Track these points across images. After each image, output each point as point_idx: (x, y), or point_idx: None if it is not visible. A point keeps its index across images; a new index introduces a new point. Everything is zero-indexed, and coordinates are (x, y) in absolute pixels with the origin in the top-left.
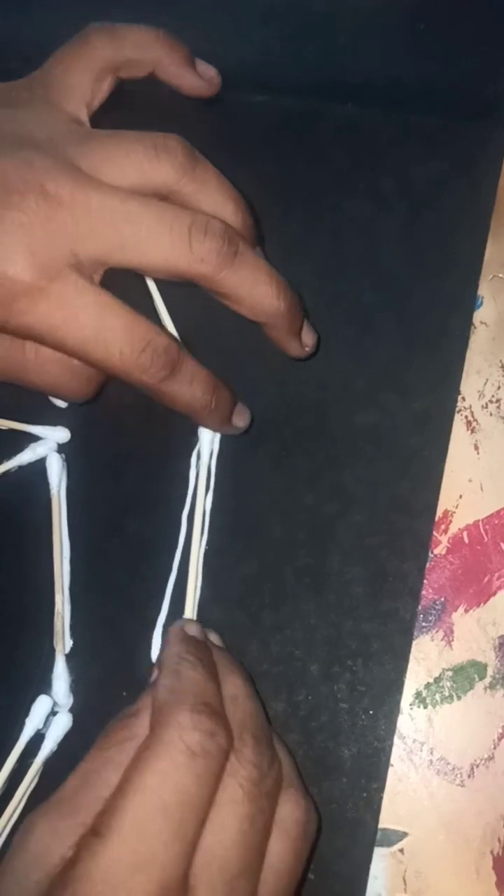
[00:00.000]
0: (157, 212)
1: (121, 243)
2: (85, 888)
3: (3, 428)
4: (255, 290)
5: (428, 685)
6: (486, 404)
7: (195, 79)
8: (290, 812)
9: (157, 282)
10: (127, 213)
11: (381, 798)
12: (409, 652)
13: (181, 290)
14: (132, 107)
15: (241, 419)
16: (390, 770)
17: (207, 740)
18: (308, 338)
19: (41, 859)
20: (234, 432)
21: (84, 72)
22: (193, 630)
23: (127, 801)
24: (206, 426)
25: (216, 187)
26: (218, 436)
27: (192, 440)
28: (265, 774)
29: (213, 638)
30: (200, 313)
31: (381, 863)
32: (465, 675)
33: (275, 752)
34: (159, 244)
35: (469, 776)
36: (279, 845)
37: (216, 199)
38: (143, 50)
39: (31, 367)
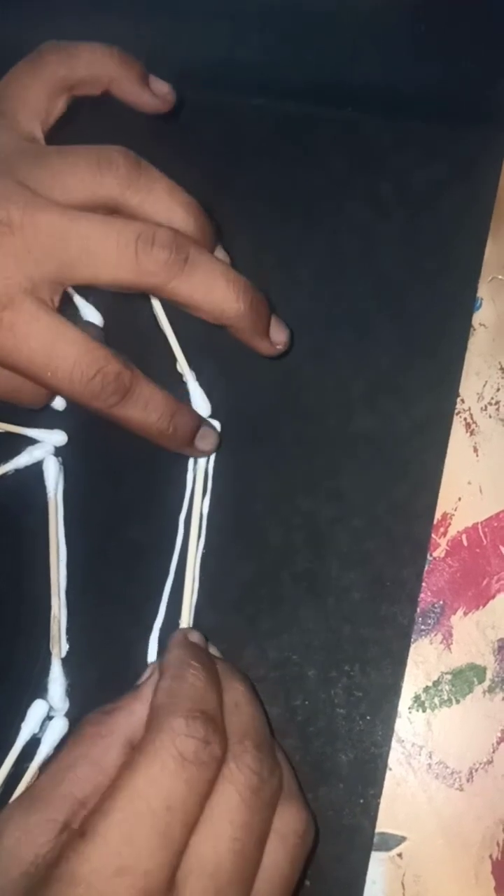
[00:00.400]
0: (104, 226)
1: (71, 262)
2: (67, 889)
3: (0, 431)
4: (211, 294)
5: (427, 689)
6: (486, 406)
7: (149, 97)
8: (288, 822)
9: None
10: (75, 231)
11: (378, 804)
12: (406, 657)
13: None
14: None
15: (205, 443)
16: (389, 774)
17: (201, 748)
18: (278, 335)
19: (14, 855)
20: (198, 456)
21: (38, 89)
22: (196, 637)
23: (114, 804)
24: (165, 448)
25: (164, 194)
26: None
27: None
28: (265, 782)
29: (212, 650)
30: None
31: (380, 867)
32: (464, 679)
33: (276, 761)
34: (107, 259)
35: (468, 780)
36: (275, 855)
37: (165, 206)
38: (97, 67)
39: None
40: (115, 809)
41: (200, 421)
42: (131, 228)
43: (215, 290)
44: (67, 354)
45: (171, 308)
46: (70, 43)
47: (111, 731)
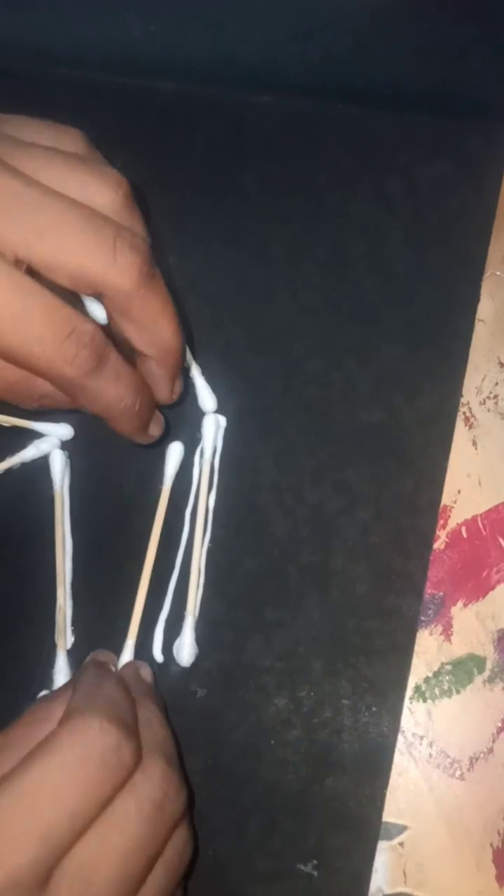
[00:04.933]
0: (85, 213)
1: (38, 232)
2: None
3: (7, 425)
4: (160, 319)
5: (427, 679)
6: (484, 400)
7: None
8: (177, 845)
9: None
10: (50, 204)
11: (384, 794)
12: (412, 649)
13: (181, 287)
14: (134, 106)
15: (156, 428)
16: None
17: (110, 752)
18: (178, 387)
19: None
20: (146, 441)
21: (47, 142)
22: (103, 657)
23: (2, 789)
24: (123, 431)
25: (141, 225)
26: (221, 433)
27: (196, 437)
28: (169, 800)
29: (145, 673)
30: (201, 309)
31: (382, 856)
32: (464, 669)
33: (182, 784)
34: (81, 244)
35: (469, 769)
36: (158, 875)
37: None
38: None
39: None
40: (4, 797)
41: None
42: (112, 225)
43: (165, 318)
44: (37, 310)
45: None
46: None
47: (49, 717)
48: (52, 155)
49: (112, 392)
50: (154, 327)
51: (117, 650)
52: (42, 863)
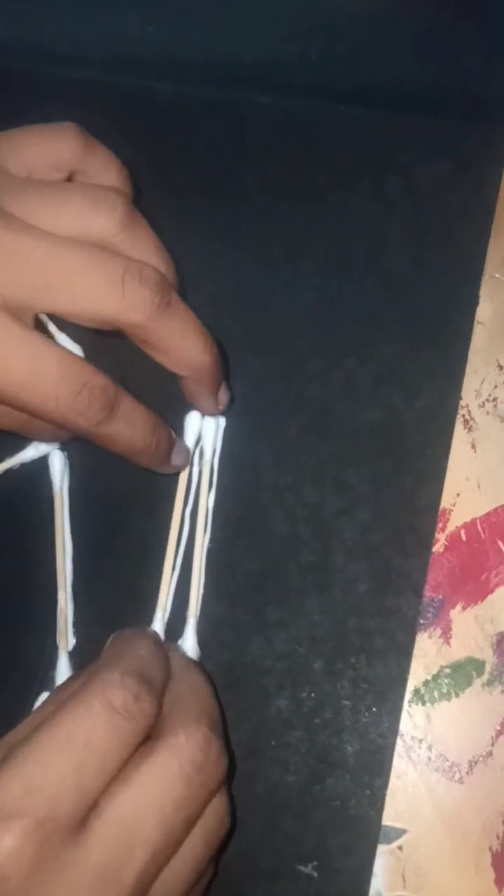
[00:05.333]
0: (90, 256)
1: (49, 287)
2: None
3: None
4: (183, 342)
5: (426, 682)
6: (483, 403)
7: None
8: (217, 810)
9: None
10: (57, 256)
11: (384, 795)
12: (412, 649)
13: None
14: (133, 106)
15: (179, 458)
16: None
17: (130, 701)
18: (223, 396)
19: None
20: (171, 472)
21: (43, 157)
22: (151, 631)
23: (35, 734)
24: (144, 466)
25: (151, 242)
26: (221, 433)
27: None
28: (210, 763)
29: (190, 646)
30: (201, 309)
31: (380, 859)
32: (463, 673)
33: (224, 751)
34: (90, 289)
35: (468, 773)
36: (195, 839)
37: (150, 253)
38: (106, 170)
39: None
40: (35, 739)
41: (173, 436)
42: (119, 262)
43: (188, 338)
44: (50, 370)
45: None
46: (91, 139)
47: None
48: (44, 194)
49: (126, 434)
50: (179, 350)
51: None
52: (79, 800)
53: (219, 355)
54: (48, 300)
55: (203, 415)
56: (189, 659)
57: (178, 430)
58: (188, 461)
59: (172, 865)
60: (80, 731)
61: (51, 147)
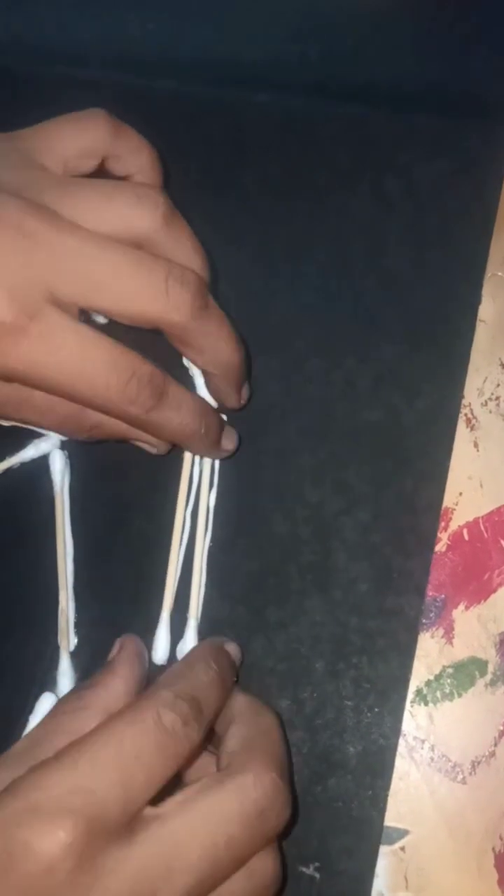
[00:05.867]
0: (136, 258)
1: (97, 286)
2: (13, 802)
3: (6, 424)
4: (217, 342)
5: (429, 682)
6: (486, 402)
7: None
8: (265, 866)
9: None
10: (105, 256)
11: (386, 795)
12: (414, 649)
13: None
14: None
15: (229, 442)
16: None
17: (179, 723)
18: (245, 392)
19: None
20: (222, 456)
21: (74, 145)
22: (232, 649)
23: (89, 737)
24: (196, 452)
25: (189, 240)
26: None
27: None
28: (273, 812)
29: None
30: None
31: (383, 860)
32: (465, 673)
33: (290, 803)
34: (136, 291)
35: (470, 773)
36: (237, 887)
37: (188, 252)
38: (137, 153)
39: (38, 408)
40: (88, 742)
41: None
42: (162, 264)
43: (222, 339)
44: (101, 360)
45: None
46: (120, 123)
47: (90, 705)
48: (87, 192)
49: (176, 420)
50: (213, 350)
51: None
52: (125, 809)
53: (244, 356)
54: (96, 298)
55: (227, 408)
56: (259, 701)
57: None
58: (237, 445)
59: None
60: (132, 742)
61: (82, 135)
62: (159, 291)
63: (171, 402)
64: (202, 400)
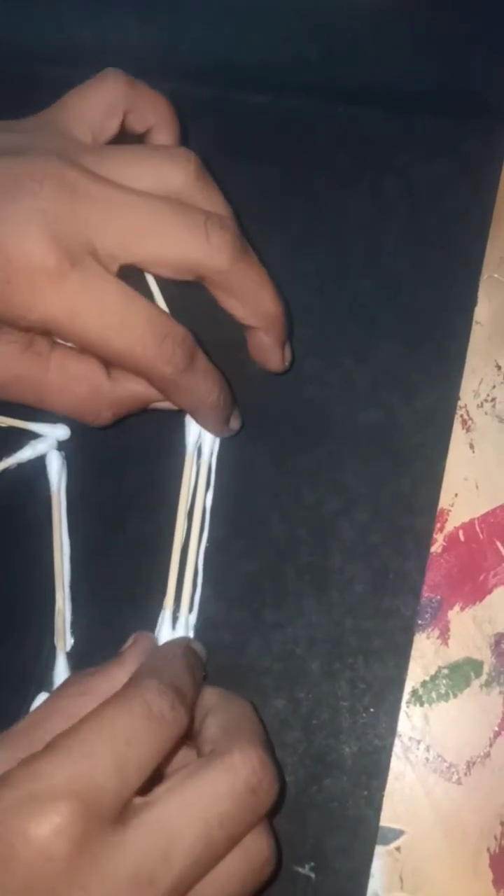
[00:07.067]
0: (174, 207)
1: (138, 235)
2: (9, 793)
3: (3, 425)
4: (260, 290)
5: (424, 683)
6: (482, 403)
7: None
8: (259, 844)
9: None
10: (145, 206)
11: (382, 796)
12: (410, 649)
13: (179, 288)
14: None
15: (236, 421)
16: None
17: (167, 707)
18: (288, 352)
19: None
20: (227, 434)
21: (97, 106)
22: (197, 646)
23: (81, 724)
24: (207, 425)
25: (218, 196)
26: None
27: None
28: (263, 789)
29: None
30: (200, 310)
31: (378, 860)
32: (461, 673)
33: (277, 780)
34: (177, 235)
35: (466, 774)
36: (232, 866)
37: (220, 205)
38: (154, 104)
39: (54, 388)
40: (81, 730)
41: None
42: (199, 211)
43: (264, 287)
44: (139, 316)
45: (173, 303)
46: (133, 78)
47: (90, 691)
48: (123, 154)
49: (203, 386)
50: (255, 298)
51: (116, 652)
52: (120, 794)
53: (285, 311)
54: (138, 248)
55: (271, 371)
56: (229, 691)
57: (178, 430)
58: (240, 425)
59: (207, 883)
60: (123, 728)
61: (103, 94)
62: (200, 235)
63: (199, 368)
64: (222, 374)
